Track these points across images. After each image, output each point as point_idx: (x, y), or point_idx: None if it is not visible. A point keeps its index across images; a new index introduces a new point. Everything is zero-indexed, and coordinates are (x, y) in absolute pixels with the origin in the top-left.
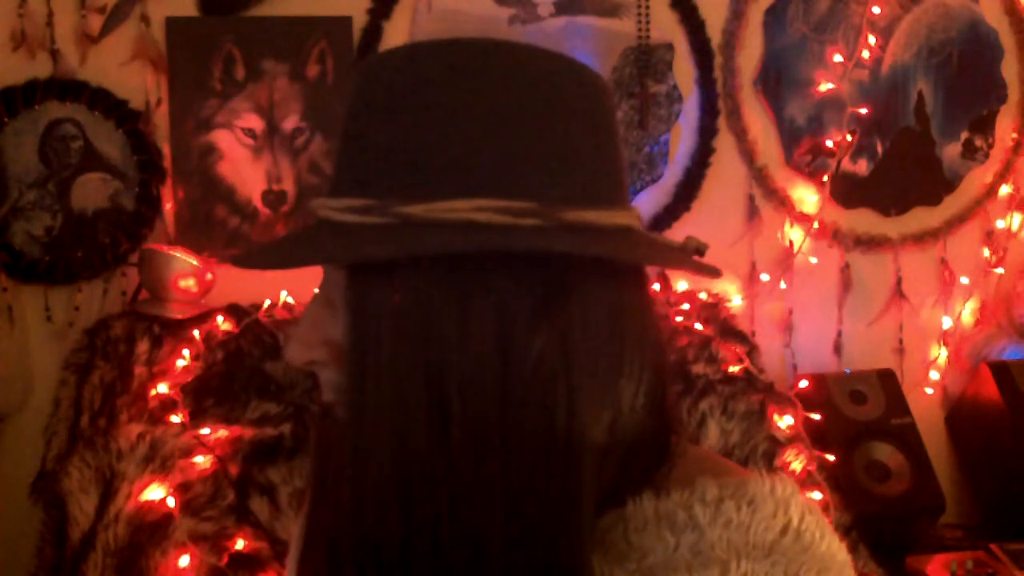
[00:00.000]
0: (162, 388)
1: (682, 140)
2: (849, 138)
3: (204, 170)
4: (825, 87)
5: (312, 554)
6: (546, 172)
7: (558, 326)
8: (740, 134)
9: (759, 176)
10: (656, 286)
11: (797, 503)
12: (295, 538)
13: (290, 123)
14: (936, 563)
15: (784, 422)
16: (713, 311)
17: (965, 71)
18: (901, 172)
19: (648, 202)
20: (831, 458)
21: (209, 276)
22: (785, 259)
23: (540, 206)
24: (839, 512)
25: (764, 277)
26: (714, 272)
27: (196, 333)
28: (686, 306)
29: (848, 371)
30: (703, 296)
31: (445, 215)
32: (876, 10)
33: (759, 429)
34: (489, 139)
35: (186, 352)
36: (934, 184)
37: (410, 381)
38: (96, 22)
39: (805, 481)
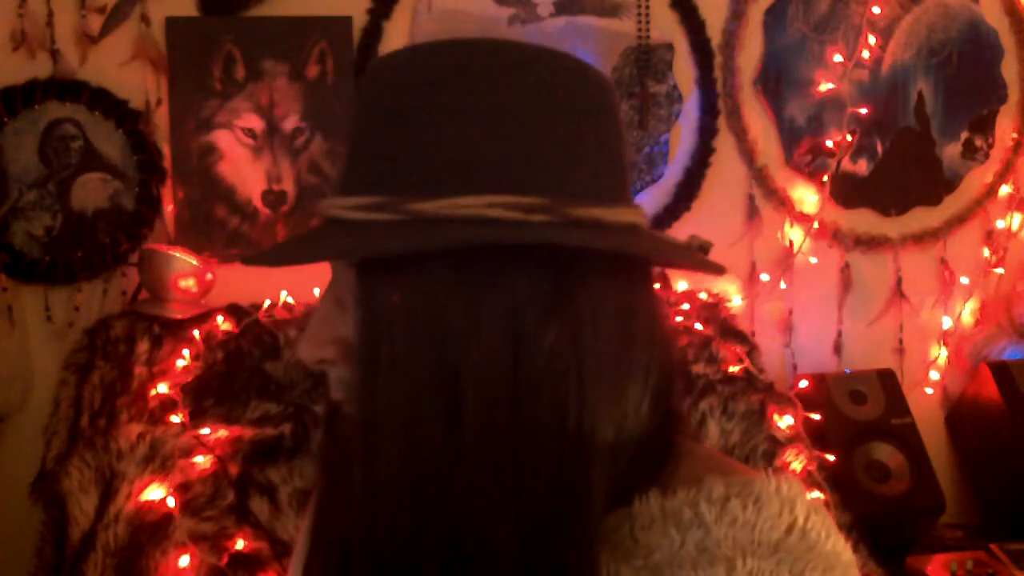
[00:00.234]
0: (162, 388)
1: (682, 140)
2: (849, 138)
3: (204, 170)
4: (825, 87)
5: (320, 553)
6: (554, 169)
7: (568, 322)
8: (740, 134)
9: (759, 176)
10: (656, 286)
11: (803, 502)
12: (300, 537)
13: (290, 123)
14: (936, 563)
15: (784, 422)
16: (713, 311)
17: (965, 71)
18: (901, 172)
19: (648, 202)
20: (831, 458)
21: (209, 276)
22: (785, 259)
23: (551, 202)
24: (839, 512)
25: (764, 277)
26: (719, 269)
27: (196, 333)
28: (686, 306)
29: (848, 371)
30: (703, 296)
31: (456, 211)
32: (876, 10)
33: (759, 429)
34: (497, 137)
35: (186, 352)
36: (934, 184)
37: (422, 377)
38: (96, 22)
39: (805, 481)
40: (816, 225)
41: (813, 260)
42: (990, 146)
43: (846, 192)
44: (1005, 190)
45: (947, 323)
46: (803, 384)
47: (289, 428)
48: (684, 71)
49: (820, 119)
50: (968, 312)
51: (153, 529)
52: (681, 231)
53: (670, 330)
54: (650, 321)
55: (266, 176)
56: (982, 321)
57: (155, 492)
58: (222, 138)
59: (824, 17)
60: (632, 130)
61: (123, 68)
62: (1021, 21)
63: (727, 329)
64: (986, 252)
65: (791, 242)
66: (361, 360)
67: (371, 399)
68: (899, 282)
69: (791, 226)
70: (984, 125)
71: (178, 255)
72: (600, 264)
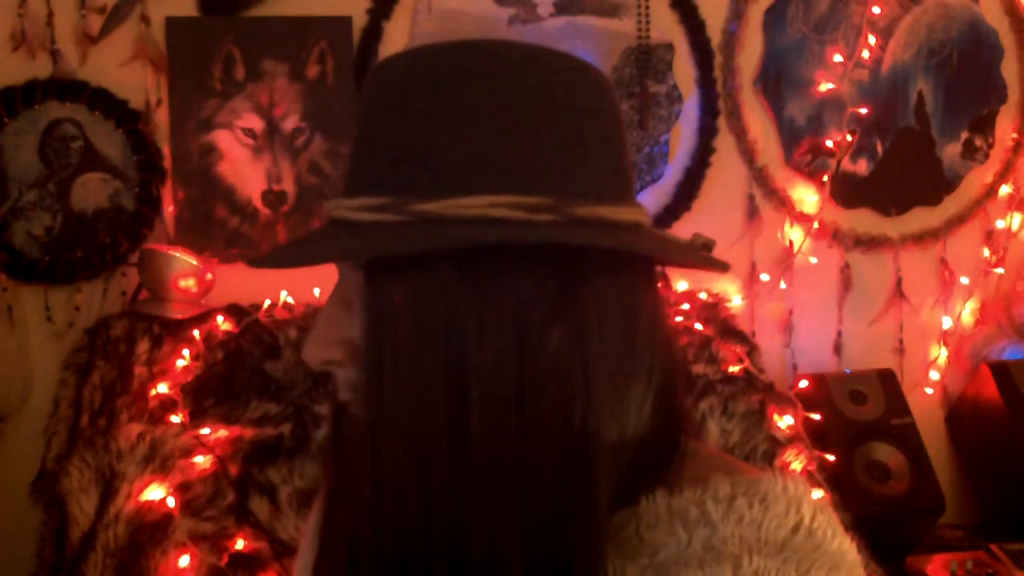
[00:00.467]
0: (162, 388)
1: (682, 140)
2: (849, 138)
3: (204, 170)
4: (825, 87)
5: (328, 554)
6: (557, 169)
7: (573, 321)
8: (740, 134)
9: (759, 176)
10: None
11: (809, 501)
12: (305, 537)
13: (290, 123)
14: (936, 563)
15: (784, 422)
16: (713, 311)
17: (965, 71)
18: (901, 172)
19: (648, 202)
20: (831, 458)
21: (209, 276)
22: (785, 259)
23: (554, 201)
24: (839, 512)
25: (764, 277)
26: (723, 266)
27: (196, 333)
28: (686, 306)
29: (848, 371)
30: (703, 296)
31: (460, 211)
32: (876, 10)
33: (759, 429)
34: (500, 137)
35: (186, 352)
36: (934, 184)
37: (428, 377)
38: (96, 22)
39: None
40: (816, 225)
41: (813, 260)
42: (990, 146)
43: (846, 192)
44: (1005, 190)
45: (947, 323)
46: (803, 384)
47: (289, 428)
48: (684, 71)
49: (820, 119)
50: (968, 312)
51: (153, 529)
52: (681, 231)
53: (672, 329)
54: (653, 320)
55: (266, 176)
56: (982, 321)
57: (155, 492)
58: (222, 138)
59: (824, 17)
60: (632, 130)
61: (123, 68)
62: (1021, 21)
63: (727, 329)
64: (986, 252)
65: (791, 242)
66: (367, 361)
67: (377, 399)
68: (899, 282)
69: (791, 226)
70: (984, 125)
71: (178, 255)
72: (604, 263)
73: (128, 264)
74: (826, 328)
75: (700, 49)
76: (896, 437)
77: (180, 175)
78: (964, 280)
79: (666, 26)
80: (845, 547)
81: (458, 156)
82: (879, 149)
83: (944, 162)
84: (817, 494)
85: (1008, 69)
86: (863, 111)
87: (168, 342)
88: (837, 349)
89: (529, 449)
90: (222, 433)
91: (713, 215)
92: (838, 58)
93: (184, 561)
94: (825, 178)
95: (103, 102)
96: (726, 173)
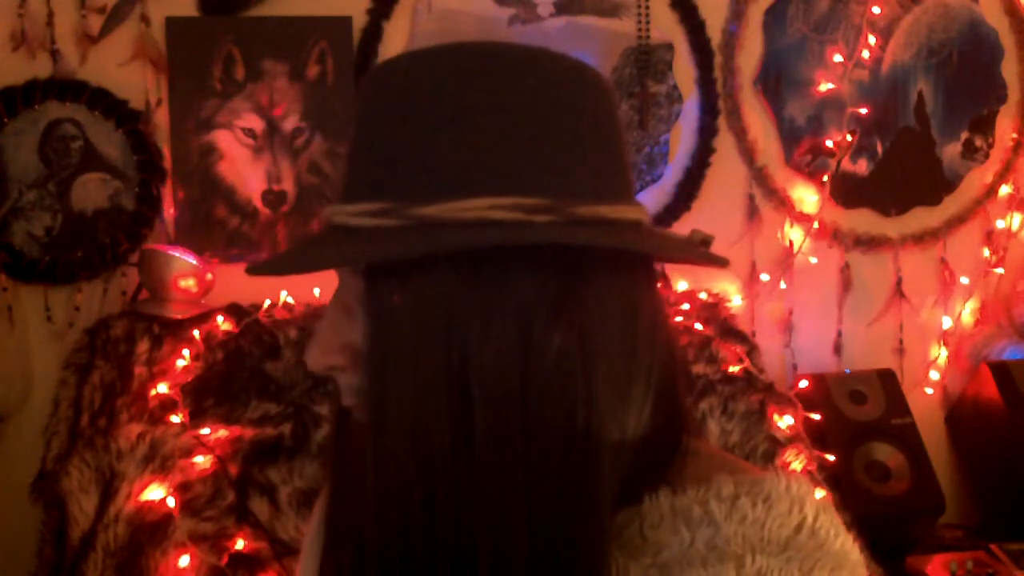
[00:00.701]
0: (162, 388)
1: (682, 140)
2: (849, 138)
3: (204, 170)
4: (825, 87)
5: (334, 555)
6: (557, 170)
7: (575, 322)
8: (740, 134)
9: (759, 176)
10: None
11: (812, 501)
12: (307, 537)
13: (290, 123)
14: (936, 563)
15: (784, 422)
16: (713, 311)
17: (965, 71)
18: (901, 172)
19: (648, 202)
20: (831, 458)
21: (209, 276)
22: (785, 259)
23: (554, 202)
24: (839, 512)
25: (764, 277)
26: (722, 262)
27: (196, 333)
28: (686, 306)
29: (848, 371)
30: (703, 296)
31: (459, 214)
32: (876, 10)
33: (759, 429)
34: (500, 139)
35: (186, 352)
36: (934, 184)
37: (430, 380)
38: (96, 22)
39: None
40: (816, 225)
41: (813, 260)
42: (990, 146)
43: (846, 192)
44: (1005, 190)
45: (947, 323)
46: (803, 384)
47: (289, 428)
48: (684, 71)
49: (820, 119)
50: (968, 312)
51: (153, 529)
52: (681, 231)
53: (672, 328)
54: (653, 319)
55: (266, 176)
56: (982, 321)
57: (155, 492)
58: (222, 138)
59: (824, 17)
60: (632, 130)
61: (123, 68)
62: (1021, 21)
63: (727, 329)
64: (986, 252)
65: (791, 242)
66: (369, 365)
67: (380, 403)
68: (899, 282)
69: (791, 226)
70: (984, 125)
71: (178, 255)
72: (605, 262)
73: (128, 264)
74: (826, 328)
75: (700, 49)
76: (896, 437)
77: (180, 175)
78: (964, 280)
79: (666, 26)
80: (848, 546)
81: (457, 159)
82: (879, 149)
83: (944, 162)
84: (820, 494)
85: (1008, 69)
86: (863, 111)
87: (168, 342)
88: (837, 349)
89: (532, 449)
90: (222, 433)
91: (713, 215)
92: (838, 58)
93: (184, 561)
94: (825, 178)
95: (103, 102)
96: (726, 173)
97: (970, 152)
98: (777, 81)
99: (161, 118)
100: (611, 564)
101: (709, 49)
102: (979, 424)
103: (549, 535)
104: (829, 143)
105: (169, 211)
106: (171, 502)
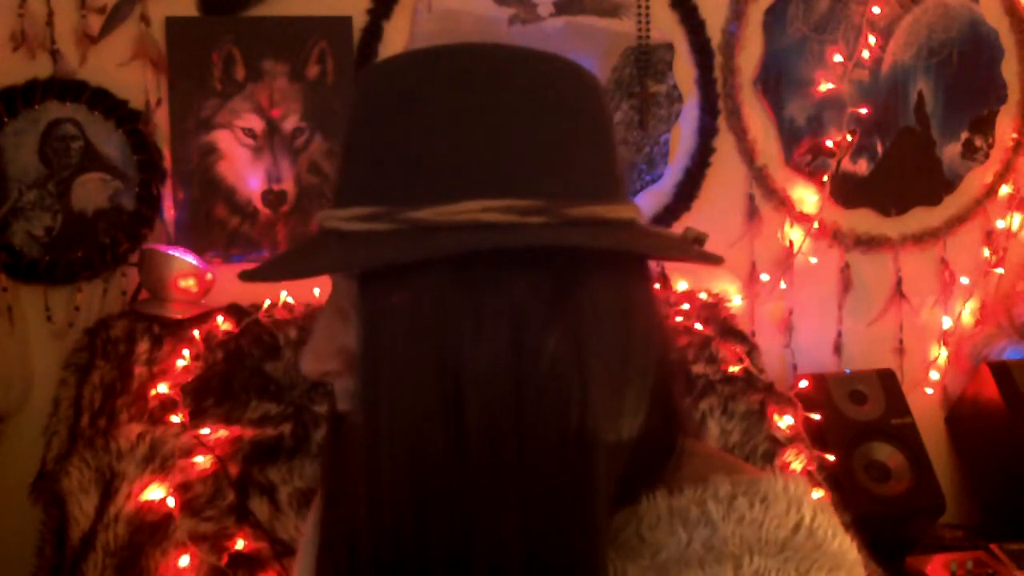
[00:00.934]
0: (162, 388)
1: (682, 140)
2: (849, 138)
3: (204, 170)
4: (825, 87)
5: (328, 558)
6: (548, 170)
7: (570, 324)
8: (740, 134)
9: (759, 176)
10: (656, 286)
11: (810, 501)
12: (302, 541)
13: (290, 123)
14: (936, 563)
15: (784, 422)
16: (713, 311)
17: (965, 71)
18: (901, 172)
19: (648, 202)
20: (831, 458)
21: (209, 276)
22: (785, 259)
23: (545, 203)
24: (839, 512)
25: (764, 277)
26: (716, 259)
27: (196, 333)
28: (686, 306)
29: (848, 371)
30: (703, 296)
31: (452, 217)
32: (876, 10)
33: (759, 429)
34: (491, 140)
35: (186, 352)
36: (934, 184)
37: (425, 384)
38: (96, 22)
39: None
40: (816, 225)
41: (813, 260)
42: (990, 146)
43: (846, 192)
44: (1005, 190)
45: (947, 323)
46: (803, 384)
47: (289, 428)
48: (684, 71)
49: (820, 119)
50: (968, 312)
51: (153, 529)
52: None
53: (667, 327)
54: (648, 318)
55: (266, 176)
56: (982, 321)
57: (155, 492)
58: (222, 138)
59: (824, 17)
60: (632, 130)
61: (123, 68)
62: (1021, 21)
63: (727, 329)
64: (986, 252)
65: (791, 242)
66: (363, 369)
67: (374, 407)
68: (899, 282)
69: (791, 226)
70: (984, 125)
71: (178, 255)
72: (599, 263)
73: (128, 264)
74: (826, 328)
75: (700, 49)
76: (896, 437)
77: (180, 175)
78: (964, 280)
79: (666, 26)
80: (846, 547)
81: (449, 161)
82: (879, 149)
83: (944, 162)
84: (817, 494)
85: (1008, 69)
86: (863, 111)
87: (168, 342)
88: (837, 349)
89: (526, 452)
90: (222, 433)
91: (713, 215)
92: (838, 58)
93: (184, 561)
94: (825, 178)
95: (103, 102)
96: (726, 173)
97: (970, 152)
98: (777, 81)
99: (161, 118)
100: (608, 566)
101: (709, 49)
102: (979, 424)
103: (545, 538)
104: (829, 143)
105: (169, 211)
106: (171, 502)
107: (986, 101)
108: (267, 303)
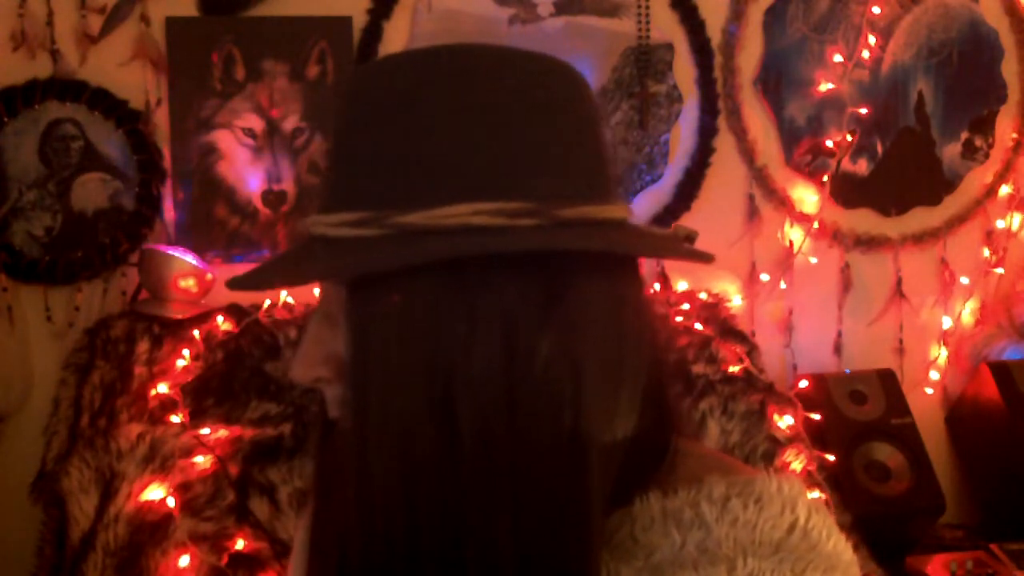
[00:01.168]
0: (162, 388)
1: (682, 140)
2: (849, 138)
3: (204, 170)
4: (825, 87)
5: (320, 562)
6: (539, 170)
7: (562, 327)
8: (740, 134)
9: (759, 176)
10: (656, 286)
11: (804, 502)
12: (296, 544)
13: (290, 123)
14: (936, 563)
15: (784, 422)
16: (713, 311)
17: (965, 71)
18: (901, 172)
19: (648, 202)
20: (831, 458)
21: (209, 276)
22: (785, 259)
23: (536, 205)
24: (839, 512)
25: (764, 277)
26: (707, 257)
27: (196, 333)
28: (686, 306)
29: (848, 371)
30: (703, 296)
31: (441, 221)
32: (876, 10)
33: (759, 429)
34: (479, 142)
35: (186, 352)
36: (934, 184)
37: (414, 389)
38: (96, 22)
39: (805, 481)
40: (816, 225)
41: (813, 260)
42: (990, 146)
43: (846, 192)
44: (1005, 190)
45: (947, 323)
46: (803, 384)
47: (289, 428)
48: (684, 71)
49: (820, 119)
50: (968, 312)
51: (153, 529)
52: None
53: (659, 326)
54: (640, 317)
55: (266, 176)
56: (982, 321)
57: (155, 492)
58: (222, 138)
59: (824, 17)
60: (632, 130)
61: (123, 68)
62: (1021, 21)
63: (727, 329)
64: (986, 252)
65: (791, 242)
66: (352, 376)
67: (363, 413)
68: (899, 282)
69: (791, 226)
70: (984, 125)
71: (178, 255)
72: (590, 264)
73: (128, 264)
74: (826, 328)
75: (700, 49)
76: (896, 437)
77: (180, 175)
78: (964, 280)
79: (666, 26)
80: (840, 547)
81: (436, 164)
82: (879, 149)
83: (944, 162)
84: (813, 494)
85: (1008, 69)
86: (863, 111)
87: (168, 342)
88: (837, 349)
89: (519, 456)
90: (222, 433)
91: (713, 215)
92: (838, 58)
93: (184, 561)
94: (825, 178)
95: (103, 102)
96: (726, 173)
97: (970, 152)
98: (777, 81)
99: (161, 118)
100: (602, 568)
101: (709, 49)
102: (979, 424)
103: (539, 543)
104: (829, 143)
105: (169, 211)
106: (171, 502)
107: (986, 101)
108: (267, 303)
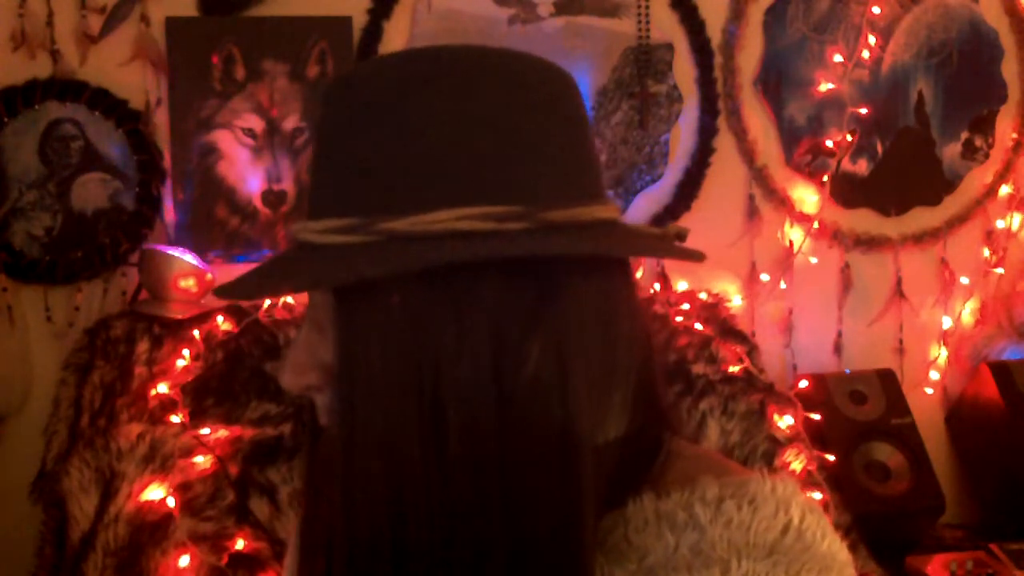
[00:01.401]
0: (162, 388)
1: (682, 140)
2: (849, 138)
3: (204, 170)
4: (825, 87)
5: (309, 567)
6: (526, 172)
7: (551, 333)
8: (740, 134)
9: (759, 176)
10: (656, 286)
11: (798, 502)
12: (291, 544)
13: (290, 123)
14: (936, 563)
15: (784, 422)
16: (713, 311)
17: (965, 71)
18: (901, 172)
19: (648, 202)
20: (831, 458)
21: (209, 276)
22: (785, 259)
23: (524, 208)
24: (839, 512)
25: (764, 277)
26: (698, 256)
27: (196, 333)
28: (686, 306)
29: (848, 371)
30: (703, 296)
31: (429, 227)
32: (876, 10)
33: (759, 429)
34: (465, 145)
35: (186, 352)
36: (934, 184)
37: (403, 396)
38: (96, 22)
39: (805, 481)
40: (816, 225)
41: (813, 260)
42: (990, 146)
43: (846, 192)
44: (1005, 190)
45: (947, 323)
46: (803, 384)
47: (289, 428)
48: (684, 71)
49: (820, 119)
50: (968, 312)
51: (153, 529)
52: None
53: (652, 326)
54: (630, 319)
55: (266, 176)
56: (982, 321)
57: (155, 492)
58: (222, 138)
59: (824, 17)
60: (632, 130)
61: (123, 68)
62: (1021, 21)
63: (727, 329)
64: (986, 252)
65: (791, 242)
66: (340, 383)
67: (351, 420)
68: (899, 282)
69: (791, 226)
70: (984, 125)
71: (178, 255)
72: (580, 267)
73: (128, 264)
74: (826, 328)
75: (700, 49)
76: (896, 437)
77: (180, 175)
78: (964, 280)
79: (666, 26)
80: (835, 548)
81: (422, 169)
82: (879, 149)
83: (944, 162)
84: (814, 494)
85: (1008, 69)
86: (863, 111)
87: (168, 342)
88: (837, 349)
89: (509, 462)
90: (222, 433)
91: (713, 215)
92: (838, 58)
93: (184, 561)
94: (825, 178)
95: (103, 102)
96: (726, 173)
97: (970, 152)
98: (777, 81)
99: (161, 118)
100: (596, 571)
101: (709, 49)
102: (979, 424)
103: (532, 548)
104: (829, 143)
105: (169, 211)
106: (171, 502)
107: (986, 101)
108: (267, 303)
